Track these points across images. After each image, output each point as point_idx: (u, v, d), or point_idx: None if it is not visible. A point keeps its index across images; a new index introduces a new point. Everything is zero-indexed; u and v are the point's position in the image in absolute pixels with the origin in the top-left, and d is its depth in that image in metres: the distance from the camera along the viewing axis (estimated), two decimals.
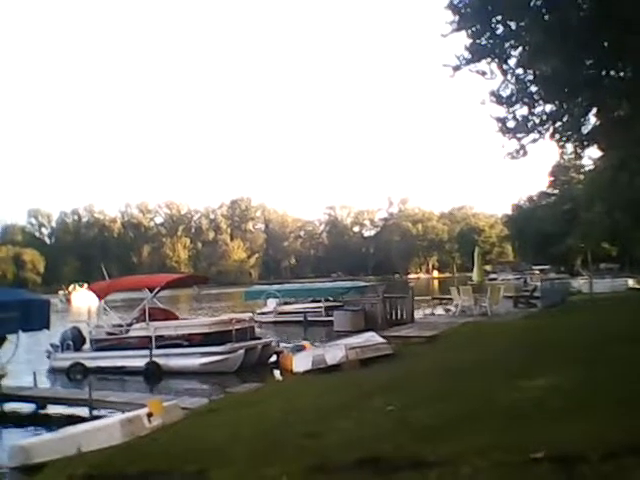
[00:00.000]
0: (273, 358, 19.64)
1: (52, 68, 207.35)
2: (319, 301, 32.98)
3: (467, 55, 13.40)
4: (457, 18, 13.20)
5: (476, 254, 32.46)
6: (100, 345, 20.52)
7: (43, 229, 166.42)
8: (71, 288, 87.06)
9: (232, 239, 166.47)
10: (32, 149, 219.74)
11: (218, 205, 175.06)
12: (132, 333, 20.27)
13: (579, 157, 32.38)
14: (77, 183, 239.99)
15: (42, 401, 14.87)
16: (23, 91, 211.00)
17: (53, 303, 26.63)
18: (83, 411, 13.47)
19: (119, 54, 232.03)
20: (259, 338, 20.81)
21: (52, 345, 21.13)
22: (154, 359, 18.95)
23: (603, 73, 13.96)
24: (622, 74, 14.21)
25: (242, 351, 18.79)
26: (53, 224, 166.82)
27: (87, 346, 21.04)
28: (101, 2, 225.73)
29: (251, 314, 24.40)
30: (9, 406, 14.98)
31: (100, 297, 22.45)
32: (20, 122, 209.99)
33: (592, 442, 5.06)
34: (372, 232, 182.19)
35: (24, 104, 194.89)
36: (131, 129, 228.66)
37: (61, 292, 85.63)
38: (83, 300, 24.68)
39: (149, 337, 19.49)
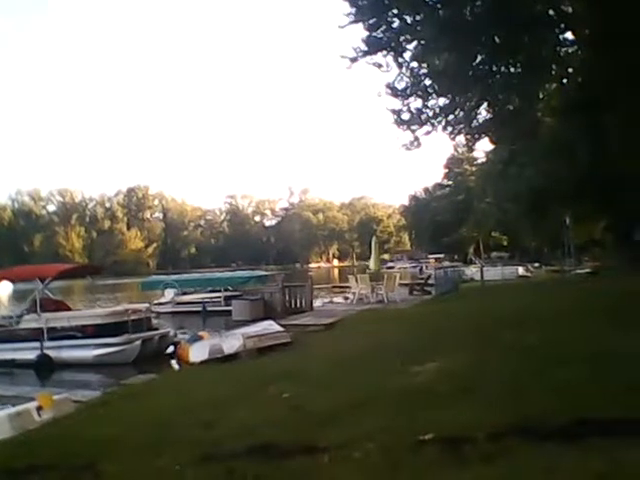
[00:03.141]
0: (170, 349, 19.40)
1: None
2: (218, 291, 32.76)
3: (364, 47, 13.67)
4: (354, 10, 13.41)
5: (373, 243, 33.02)
6: None
7: None
8: None
9: (129, 228, 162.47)
10: None
11: (114, 193, 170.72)
12: (23, 325, 19.60)
13: (471, 150, 33.61)
14: None
15: None
16: None
17: None
18: None
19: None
20: (156, 329, 20.51)
21: None
22: (46, 351, 18.36)
23: (494, 68, 14.51)
24: (512, 70, 14.80)
25: (139, 342, 18.46)
26: None
27: None
28: None
29: (148, 304, 23.94)
30: None
31: None
32: None
33: (478, 424, 5.25)
34: (273, 222, 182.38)
35: None
36: (21, 110, 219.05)
37: None
38: None
39: (41, 329, 18.88)
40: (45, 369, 17.96)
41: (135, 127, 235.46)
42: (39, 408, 9.68)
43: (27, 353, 18.46)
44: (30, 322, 19.48)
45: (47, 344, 18.53)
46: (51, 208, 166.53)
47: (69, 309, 21.43)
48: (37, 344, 18.46)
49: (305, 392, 7.94)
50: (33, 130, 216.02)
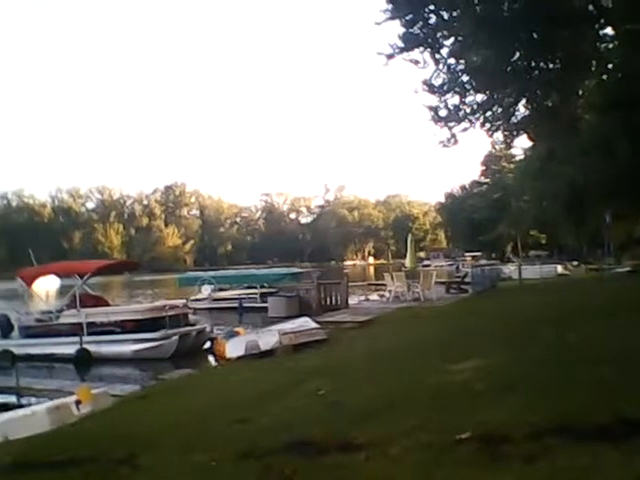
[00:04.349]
0: (207, 344, 19.56)
1: None
2: (254, 287, 32.95)
3: (400, 44, 13.59)
4: (391, 6, 13.36)
5: (409, 241, 32.88)
6: (29, 332, 20.13)
7: None
8: None
9: (166, 225, 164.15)
10: None
11: (152, 191, 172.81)
12: (62, 320, 19.96)
13: (509, 146, 33.23)
14: (5, 167, 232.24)
15: None
16: None
17: (14, 288, 26.07)
18: (10, 399, 13.15)
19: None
20: (193, 324, 20.70)
21: None
22: (85, 346, 18.66)
23: (532, 64, 14.31)
24: (551, 65, 14.58)
25: (176, 337, 18.68)
26: None
27: (15, 333, 20.59)
28: None
29: (185, 300, 24.19)
30: None
31: (29, 283, 21.97)
32: None
33: (517, 422, 5.18)
34: (309, 219, 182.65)
35: None
36: (61, 110, 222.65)
37: None
38: (43, 284, 24.66)
39: (80, 324, 19.19)
40: (84, 363, 18.26)
41: (172, 125, 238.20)
42: (78, 402, 9.85)
43: (66, 348, 18.79)
44: (69, 317, 19.84)
45: (86, 339, 18.85)
46: (90, 205, 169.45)
47: (108, 305, 21.75)
48: (76, 339, 18.78)
49: (341, 388, 7.93)
50: (73, 129, 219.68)
